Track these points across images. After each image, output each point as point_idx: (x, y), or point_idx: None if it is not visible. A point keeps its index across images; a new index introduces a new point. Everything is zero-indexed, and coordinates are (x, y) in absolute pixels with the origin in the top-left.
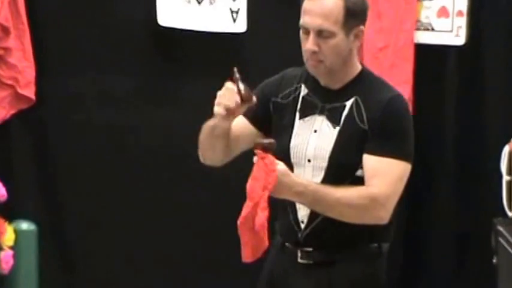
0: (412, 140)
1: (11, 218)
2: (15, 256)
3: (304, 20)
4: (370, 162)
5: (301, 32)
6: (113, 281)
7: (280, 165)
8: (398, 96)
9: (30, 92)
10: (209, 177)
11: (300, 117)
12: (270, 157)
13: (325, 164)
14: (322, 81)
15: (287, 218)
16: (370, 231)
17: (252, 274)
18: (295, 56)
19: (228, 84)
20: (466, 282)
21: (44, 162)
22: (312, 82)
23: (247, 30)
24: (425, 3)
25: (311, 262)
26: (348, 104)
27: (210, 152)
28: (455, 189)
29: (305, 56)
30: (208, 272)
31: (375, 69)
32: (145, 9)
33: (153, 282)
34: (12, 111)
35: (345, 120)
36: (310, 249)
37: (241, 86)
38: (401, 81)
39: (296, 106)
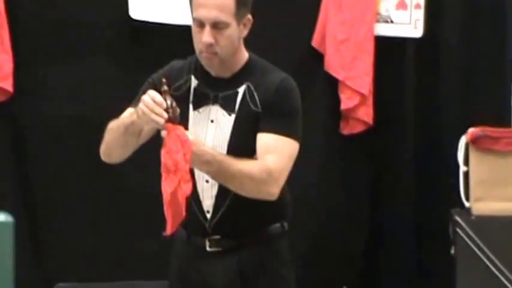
0: (301, 121)
1: None
2: None
3: (200, 13)
4: (263, 139)
5: (193, 25)
6: (87, 272)
7: (190, 135)
8: (288, 79)
9: (7, 85)
10: None
11: (194, 109)
12: (181, 128)
13: (224, 151)
14: (214, 72)
15: (191, 209)
16: (272, 213)
17: None
18: (261, 49)
19: (156, 96)
20: (426, 271)
21: (21, 156)
22: (201, 73)
23: None
24: None
25: (220, 249)
26: (241, 90)
27: (121, 150)
28: (415, 179)
29: (198, 48)
30: None
31: (337, 62)
32: (118, 2)
33: (128, 275)
34: None
35: (239, 107)
36: (219, 237)
37: (169, 101)
38: (362, 74)
39: (188, 98)
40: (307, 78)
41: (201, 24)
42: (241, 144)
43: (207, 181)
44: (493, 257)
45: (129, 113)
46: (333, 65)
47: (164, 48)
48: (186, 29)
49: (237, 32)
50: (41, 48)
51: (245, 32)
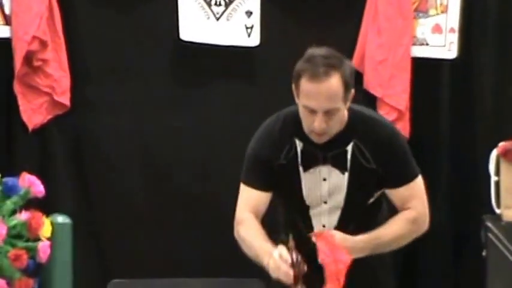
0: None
1: (48, 212)
2: (52, 246)
3: (311, 104)
4: (397, 194)
5: (302, 108)
6: (141, 269)
7: (337, 235)
8: (392, 129)
9: (65, 99)
10: (229, 177)
11: (305, 170)
12: (328, 235)
13: (341, 204)
14: None
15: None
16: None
17: None
18: None
19: (283, 253)
20: (459, 272)
21: (78, 162)
22: (304, 135)
23: (260, 44)
24: (420, 20)
25: None
26: (349, 148)
27: None
28: (449, 189)
29: (309, 129)
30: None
31: (376, 81)
32: (169, 25)
33: (186, 272)
34: (49, 116)
35: (351, 165)
36: None
37: (295, 256)
38: (399, 91)
39: (297, 160)
40: None
41: (312, 111)
42: (358, 198)
43: (323, 226)
44: None
45: (265, 249)
46: (372, 84)
47: (212, 67)
48: (232, 49)
49: (344, 109)
50: (96, 66)
51: (349, 103)
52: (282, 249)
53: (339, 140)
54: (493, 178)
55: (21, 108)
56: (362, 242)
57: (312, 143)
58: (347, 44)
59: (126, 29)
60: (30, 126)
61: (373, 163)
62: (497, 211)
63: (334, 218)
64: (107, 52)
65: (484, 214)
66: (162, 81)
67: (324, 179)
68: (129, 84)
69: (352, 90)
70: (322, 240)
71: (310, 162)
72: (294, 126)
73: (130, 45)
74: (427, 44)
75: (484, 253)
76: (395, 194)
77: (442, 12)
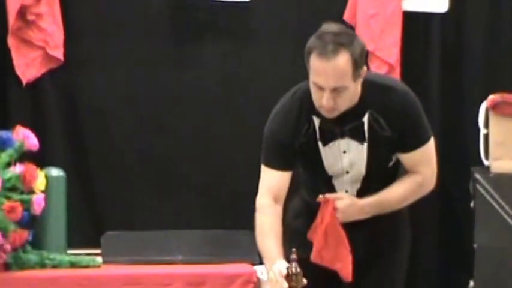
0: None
1: (42, 165)
2: (46, 199)
3: (319, 81)
4: (408, 157)
5: (311, 84)
6: (134, 221)
7: (341, 204)
8: (406, 94)
9: (59, 53)
10: (222, 131)
11: (324, 145)
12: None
13: (363, 173)
14: None
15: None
16: None
17: None
18: (294, 23)
19: (283, 269)
20: (446, 223)
21: (71, 116)
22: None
23: None
24: None
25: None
26: (365, 119)
27: None
28: (439, 141)
29: (318, 104)
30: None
31: (367, 35)
32: None
33: (178, 224)
34: (43, 70)
35: (369, 135)
36: None
37: (294, 269)
38: (390, 45)
39: (315, 136)
40: None
41: (320, 87)
42: (378, 165)
43: (346, 191)
44: (508, 210)
45: (271, 255)
46: (363, 37)
47: (204, 22)
48: (227, 4)
49: (354, 87)
50: (90, 22)
51: (361, 80)
52: (282, 264)
53: (354, 113)
54: (482, 131)
55: (15, 62)
56: (368, 207)
57: (328, 119)
58: None
59: None
60: (24, 80)
61: (389, 130)
62: (486, 163)
63: (356, 185)
64: (100, 7)
65: (472, 166)
66: (154, 35)
67: (344, 152)
68: (122, 38)
69: (364, 68)
70: (325, 206)
71: (328, 137)
72: (311, 103)
73: (123, 1)
74: None
75: (472, 204)
76: (407, 158)
77: None
